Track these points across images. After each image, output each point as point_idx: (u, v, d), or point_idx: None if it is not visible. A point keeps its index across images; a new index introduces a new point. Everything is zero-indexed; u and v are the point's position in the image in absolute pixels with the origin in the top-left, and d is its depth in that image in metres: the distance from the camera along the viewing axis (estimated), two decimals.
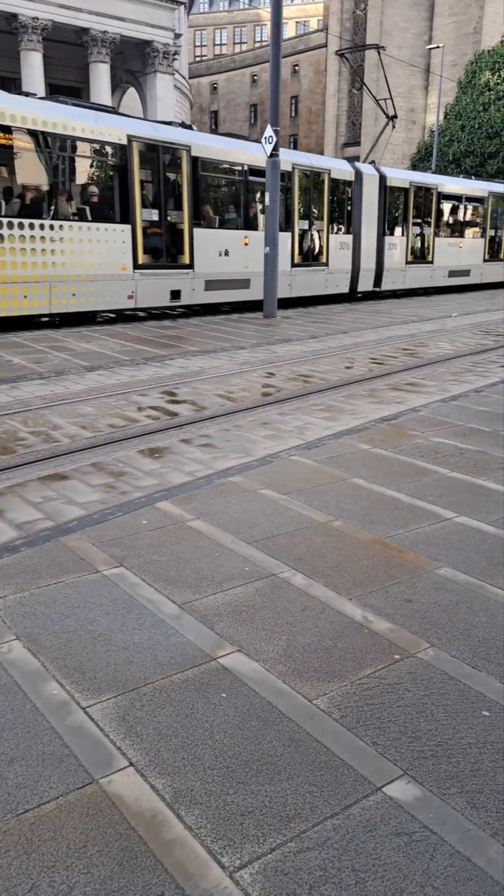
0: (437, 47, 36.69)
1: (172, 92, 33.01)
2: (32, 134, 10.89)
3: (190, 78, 52.19)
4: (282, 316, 14.72)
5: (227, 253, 14.18)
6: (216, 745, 2.22)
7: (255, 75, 65.63)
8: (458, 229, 20.88)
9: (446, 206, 20.51)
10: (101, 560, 3.48)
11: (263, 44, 66.81)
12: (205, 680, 2.55)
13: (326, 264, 16.89)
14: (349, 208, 17.20)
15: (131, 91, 34.11)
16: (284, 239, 15.18)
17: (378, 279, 18.45)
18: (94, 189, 12.21)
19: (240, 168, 14.46)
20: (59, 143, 11.34)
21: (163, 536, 3.77)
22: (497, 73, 34.65)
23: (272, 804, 2.01)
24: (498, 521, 4.07)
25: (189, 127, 14.61)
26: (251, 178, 14.55)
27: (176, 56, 32.19)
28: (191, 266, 13.61)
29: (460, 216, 21.03)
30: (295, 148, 63.85)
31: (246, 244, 14.56)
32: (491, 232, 22.19)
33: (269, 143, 13.36)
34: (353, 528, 3.95)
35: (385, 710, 2.41)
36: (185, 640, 2.79)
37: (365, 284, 18.17)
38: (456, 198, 20.72)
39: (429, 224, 19.76)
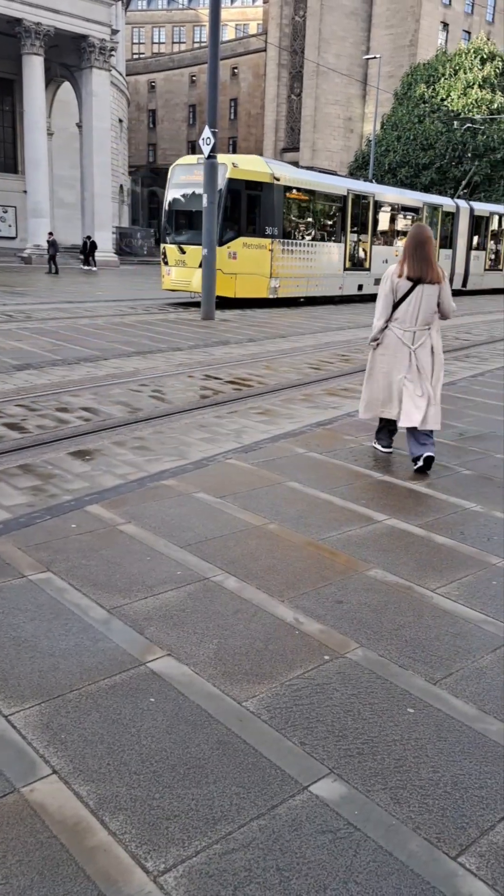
0: (374, 58, 37.34)
1: (109, 88, 32.70)
2: (305, 191, 18.89)
3: (127, 75, 51.71)
4: (220, 318, 14.75)
5: (386, 261, 21.14)
6: (143, 751, 2.21)
7: (194, 76, 65.51)
8: None
9: None
10: (28, 564, 3.41)
11: (202, 44, 66.69)
12: (133, 685, 2.53)
13: None
14: (449, 231, 24.87)
15: (66, 85, 33.63)
16: None
17: (465, 281, 26.13)
18: (328, 222, 20.23)
19: (397, 206, 22.80)
20: (315, 195, 19.35)
21: (92, 540, 3.72)
22: (432, 87, 35.49)
23: (199, 807, 2.01)
24: (427, 523, 4.17)
25: (370, 180, 25.34)
26: (402, 212, 22.95)
27: (113, 52, 31.90)
28: (369, 269, 21.60)
29: None
30: (234, 151, 64.03)
31: (396, 255, 24.05)
32: None
33: (207, 145, 13.38)
34: (287, 530, 3.98)
35: (314, 711, 2.44)
36: (114, 646, 2.77)
37: (456, 285, 25.40)
38: None
39: (501, 242, 27.76)
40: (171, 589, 3.23)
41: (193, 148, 59.18)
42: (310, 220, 19.36)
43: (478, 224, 26.38)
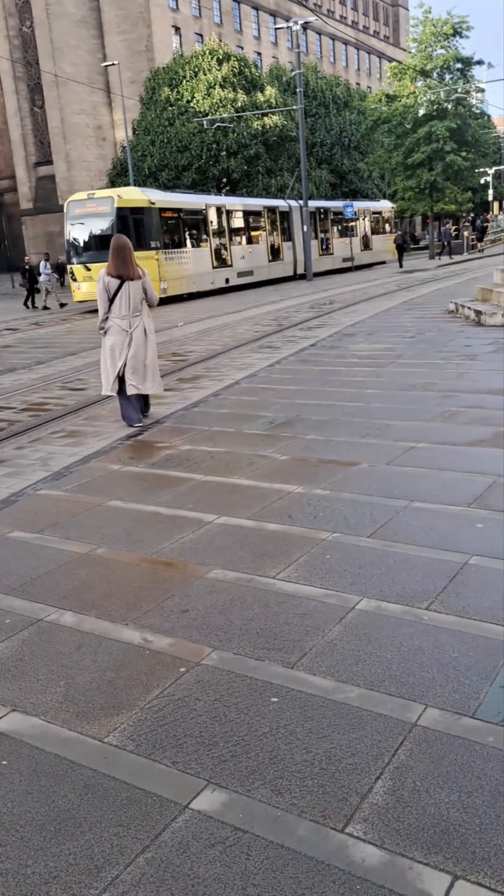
0: (113, 64, 37.26)
1: None
2: (174, 210, 23.37)
3: None
4: (2, 344, 14.07)
5: (243, 257, 26.96)
6: (3, 819, 2.04)
7: None
8: (345, 233, 34.42)
9: (338, 220, 33.94)
10: None
11: None
12: None
13: (283, 259, 29.95)
14: (288, 226, 30.12)
15: None
16: (264, 249, 28.69)
17: (306, 267, 29.80)
18: (195, 231, 24.69)
19: (244, 211, 27.68)
20: (182, 211, 23.89)
21: None
22: (175, 89, 36.09)
23: (78, 860, 1.89)
24: (255, 513, 4.24)
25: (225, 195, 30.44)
26: (249, 216, 27.82)
27: None
28: (231, 265, 26.32)
29: (345, 226, 34.41)
30: None
31: (250, 252, 27.63)
32: (362, 234, 36.28)
33: None
34: (117, 552, 3.87)
35: (179, 727, 2.39)
36: None
37: (299, 270, 30.21)
38: (340, 213, 33.43)
39: (328, 231, 33.48)
40: (2, 640, 3.02)
41: None
42: (182, 231, 24.02)
43: (312, 218, 31.30)
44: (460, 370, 8.11)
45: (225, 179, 35.14)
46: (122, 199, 21.34)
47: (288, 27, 30.04)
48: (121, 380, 6.60)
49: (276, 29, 44.12)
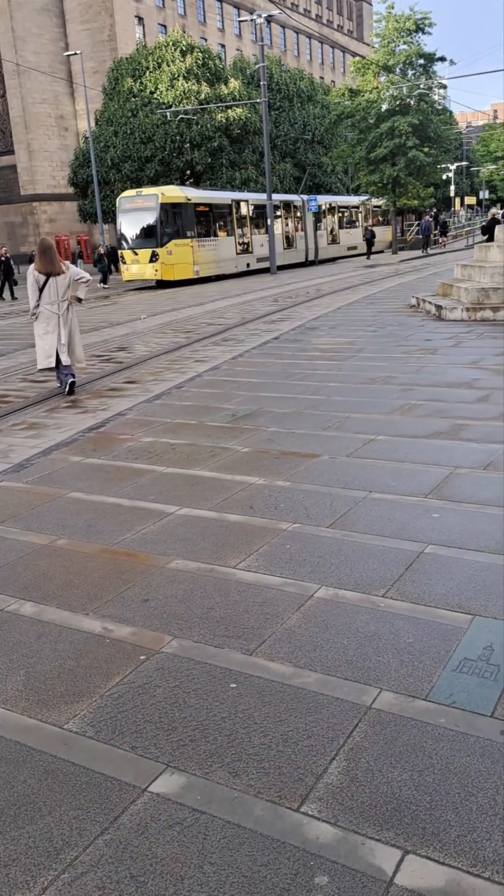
0: (75, 54, 36.76)
1: None
2: (206, 204, 27.68)
3: None
4: None
5: (262, 245, 30.31)
6: None
7: None
8: (349, 224, 39.93)
9: (343, 212, 39.37)
10: None
11: None
12: None
13: (295, 247, 34.08)
14: (302, 218, 34.47)
15: None
16: (279, 237, 31.52)
17: (316, 254, 35.44)
18: (223, 223, 28.86)
19: (258, 206, 30.70)
20: (212, 206, 28.17)
21: None
22: (138, 80, 35.74)
23: (37, 843, 1.92)
24: (216, 505, 4.28)
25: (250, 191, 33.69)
26: (263, 210, 30.32)
27: None
28: (252, 252, 30.50)
29: (349, 217, 40.06)
30: None
31: (268, 241, 30.44)
32: (365, 224, 40.75)
33: None
34: (78, 543, 3.88)
35: (139, 713, 2.43)
36: None
37: (310, 257, 34.97)
38: (346, 207, 39.67)
39: (334, 222, 38.29)
40: None
41: None
42: (213, 223, 27.99)
43: (320, 211, 35.76)
44: (420, 364, 8.24)
45: (189, 171, 34.95)
46: (165, 195, 25.36)
47: (252, 20, 29.91)
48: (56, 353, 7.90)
49: (239, 21, 44.04)
